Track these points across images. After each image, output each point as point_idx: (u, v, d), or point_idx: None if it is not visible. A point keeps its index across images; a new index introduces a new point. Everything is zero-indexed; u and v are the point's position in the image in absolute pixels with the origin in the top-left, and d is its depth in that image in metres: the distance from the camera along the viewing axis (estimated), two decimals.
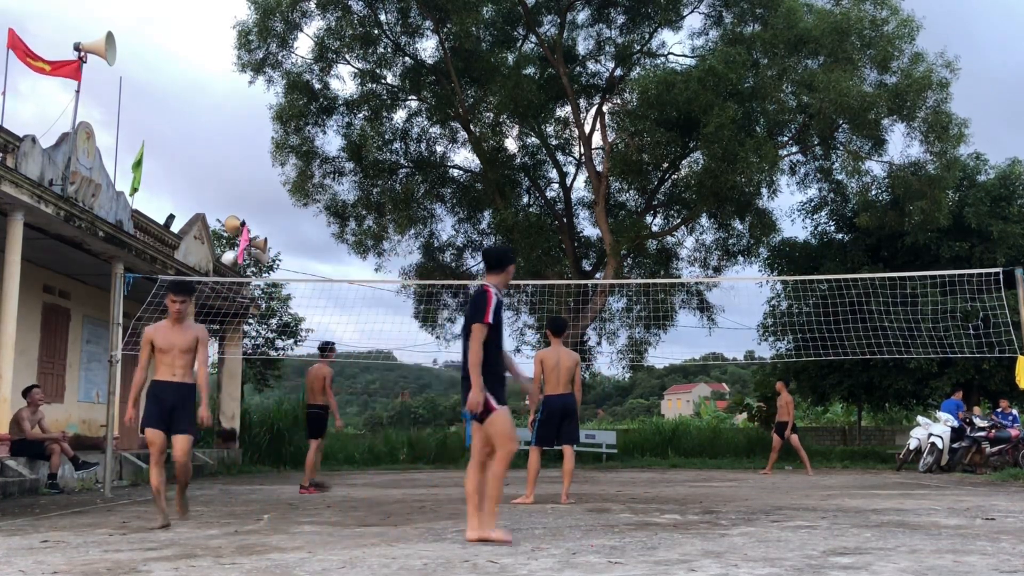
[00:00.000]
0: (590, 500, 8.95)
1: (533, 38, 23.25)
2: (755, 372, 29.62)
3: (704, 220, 23.68)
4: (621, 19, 23.76)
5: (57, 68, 12.67)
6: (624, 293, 23.87)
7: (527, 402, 9.62)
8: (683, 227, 23.91)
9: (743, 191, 20.30)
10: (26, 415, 11.04)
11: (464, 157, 25.39)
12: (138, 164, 15.19)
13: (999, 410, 16.87)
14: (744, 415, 30.49)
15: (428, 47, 23.58)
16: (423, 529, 6.17)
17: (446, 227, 28.30)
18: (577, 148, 24.77)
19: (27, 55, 12.33)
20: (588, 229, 25.12)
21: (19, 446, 10.75)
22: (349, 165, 22.95)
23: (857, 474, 15.72)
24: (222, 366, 18.89)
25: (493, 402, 5.26)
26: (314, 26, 21.76)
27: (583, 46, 24.80)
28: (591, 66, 24.78)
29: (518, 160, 24.49)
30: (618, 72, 23.66)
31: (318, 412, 10.42)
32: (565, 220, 24.02)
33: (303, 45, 31.28)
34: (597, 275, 23.80)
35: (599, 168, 22.59)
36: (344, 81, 42.05)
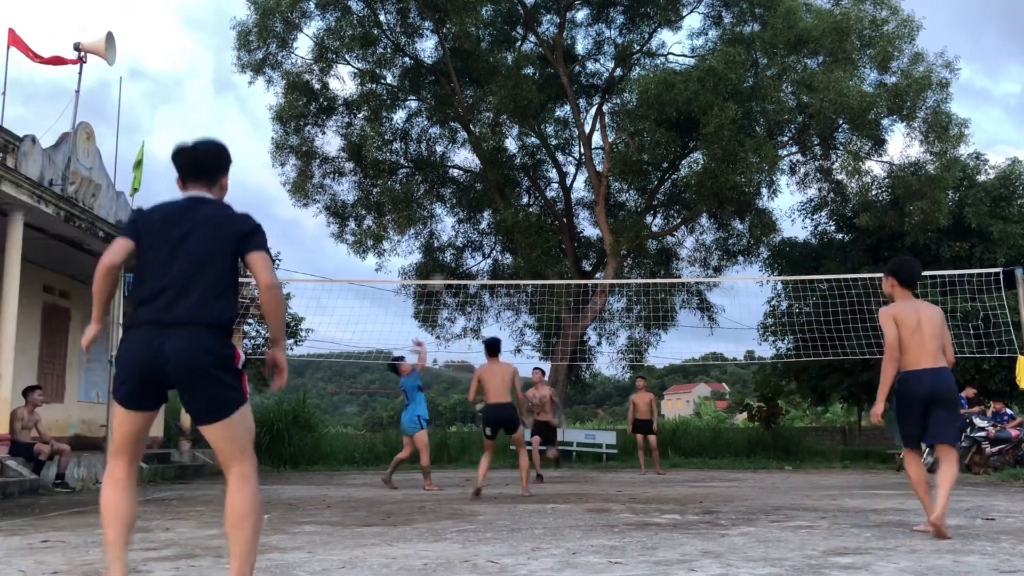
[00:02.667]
0: (590, 500, 8.94)
1: (532, 38, 23.25)
2: (755, 372, 29.61)
3: (704, 220, 23.69)
4: (620, 19, 23.77)
5: (57, 61, 12.73)
6: (624, 293, 23.88)
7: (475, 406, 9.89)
8: (683, 227, 23.92)
9: (743, 191, 20.30)
10: (21, 415, 11.01)
11: (464, 157, 25.40)
12: (139, 164, 15.20)
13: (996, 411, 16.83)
14: (744, 415, 30.46)
15: (428, 47, 23.63)
16: (423, 529, 6.17)
17: (446, 227, 28.34)
18: (577, 148, 24.79)
19: (27, 52, 12.38)
20: (588, 229, 25.15)
21: (14, 446, 10.74)
22: (349, 165, 22.96)
23: (857, 474, 15.72)
24: None
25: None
26: (314, 26, 21.79)
27: (582, 46, 24.83)
28: (591, 66, 24.83)
29: (518, 160, 24.50)
30: (618, 72, 23.67)
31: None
32: (565, 220, 24.03)
33: (303, 45, 31.30)
34: (597, 275, 23.80)
35: (599, 168, 22.60)
36: (344, 81, 42.12)
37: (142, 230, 3.26)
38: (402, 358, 11.80)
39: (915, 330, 5.64)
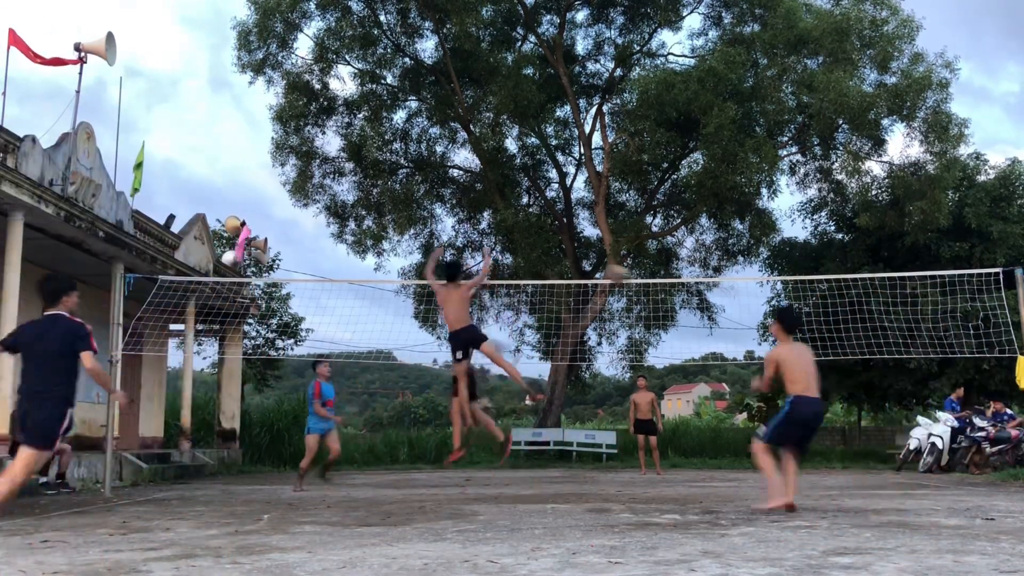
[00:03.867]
0: (590, 500, 8.94)
1: (532, 38, 23.26)
2: (755, 372, 29.62)
3: (704, 220, 23.70)
4: (620, 19, 23.79)
5: (57, 62, 12.72)
6: (624, 293, 23.88)
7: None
8: (683, 227, 23.93)
9: (743, 191, 20.31)
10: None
11: (464, 157, 25.43)
12: (139, 165, 15.19)
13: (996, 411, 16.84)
14: (744, 415, 30.47)
15: (428, 47, 23.65)
16: (423, 529, 6.17)
17: (446, 227, 28.34)
18: (577, 148, 24.80)
19: (27, 52, 12.38)
20: (588, 229, 25.17)
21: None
22: (349, 165, 22.98)
23: (857, 474, 15.71)
24: (222, 366, 18.89)
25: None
26: (314, 27, 21.83)
27: (583, 46, 24.85)
28: (591, 66, 24.84)
29: (518, 160, 24.52)
30: (618, 72, 23.68)
31: None
32: (565, 220, 24.03)
33: (303, 45, 31.32)
34: (597, 275, 23.81)
35: (599, 168, 22.60)
36: (344, 81, 42.14)
37: (19, 340, 6.72)
38: (324, 362, 11.22)
39: (802, 367, 7.26)
